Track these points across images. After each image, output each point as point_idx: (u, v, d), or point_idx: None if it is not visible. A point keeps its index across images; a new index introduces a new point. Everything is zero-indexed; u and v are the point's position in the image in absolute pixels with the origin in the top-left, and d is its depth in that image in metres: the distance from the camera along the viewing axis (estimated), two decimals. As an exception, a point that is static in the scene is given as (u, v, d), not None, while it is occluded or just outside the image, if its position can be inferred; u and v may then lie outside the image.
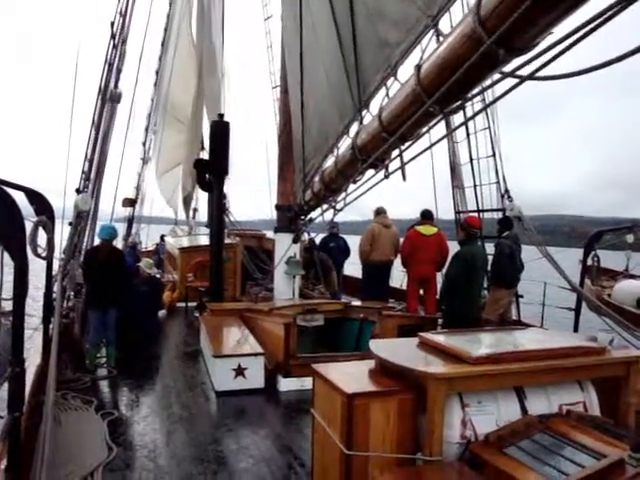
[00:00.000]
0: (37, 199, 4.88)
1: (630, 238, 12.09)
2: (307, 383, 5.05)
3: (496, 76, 3.40)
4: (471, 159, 9.27)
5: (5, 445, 3.29)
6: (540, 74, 2.89)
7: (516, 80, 3.12)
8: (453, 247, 7.81)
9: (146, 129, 20.00)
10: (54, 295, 5.71)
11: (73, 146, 8.16)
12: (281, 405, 5.80)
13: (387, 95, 4.88)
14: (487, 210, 9.14)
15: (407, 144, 4.78)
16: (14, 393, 3.17)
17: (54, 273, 5.81)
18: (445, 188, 10.14)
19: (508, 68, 3.21)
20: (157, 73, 19.22)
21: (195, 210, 21.49)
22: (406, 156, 4.87)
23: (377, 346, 3.83)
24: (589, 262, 9.33)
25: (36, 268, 4.33)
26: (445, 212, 9.97)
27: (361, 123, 5.58)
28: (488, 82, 3.61)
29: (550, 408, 3.25)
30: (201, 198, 20.86)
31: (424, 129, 4.48)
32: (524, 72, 3.05)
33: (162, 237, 19.70)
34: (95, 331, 6.84)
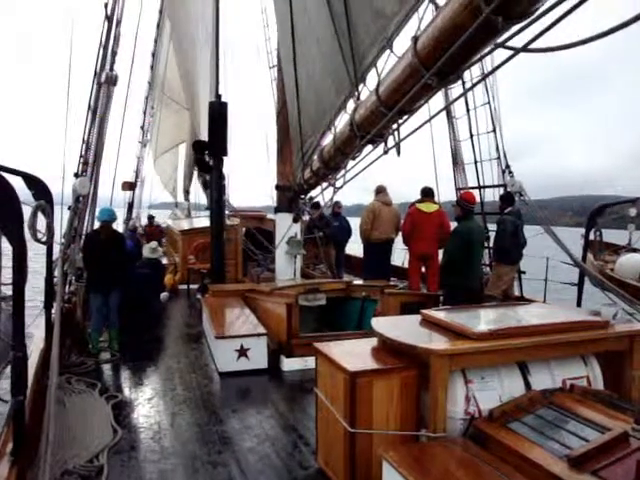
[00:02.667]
0: (35, 184, 4.84)
1: (633, 212, 12.05)
2: (310, 362, 5.06)
3: (495, 48, 3.33)
4: (471, 135, 9.20)
5: (10, 429, 3.30)
6: (540, 44, 2.83)
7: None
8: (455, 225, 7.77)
9: (144, 112, 19.90)
10: (55, 280, 5.70)
11: (70, 130, 8.11)
12: (284, 385, 5.82)
13: (383, 69, 4.80)
14: (488, 186, 9.10)
15: (405, 117, 4.71)
16: (17, 377, 3.16)
17: (54, 258, 5.79)
18: (448, 168, 10.09)
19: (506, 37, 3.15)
20: (153, 55, 19.07)
21: (187, 192, 21.43)
22: (405, 130, 4.82)
23: (379, 324, 3.82)
24: (591, 237, 9.30)
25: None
26: (450, 192, 9.92)
27: (358, 99, 5.50)
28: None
29: (554, 383, 3.24)
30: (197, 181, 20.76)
31: (422, 102, 4.41)
32: (520, 42, 2.99)
33: (150, 218, 19.34)
34: (97, 315, 6.84)
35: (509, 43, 3.12)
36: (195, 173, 20.04)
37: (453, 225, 7.94)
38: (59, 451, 3.86)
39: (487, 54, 3.46)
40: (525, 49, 2.93)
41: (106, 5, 8.34)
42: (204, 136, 11.32)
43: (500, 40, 3.17)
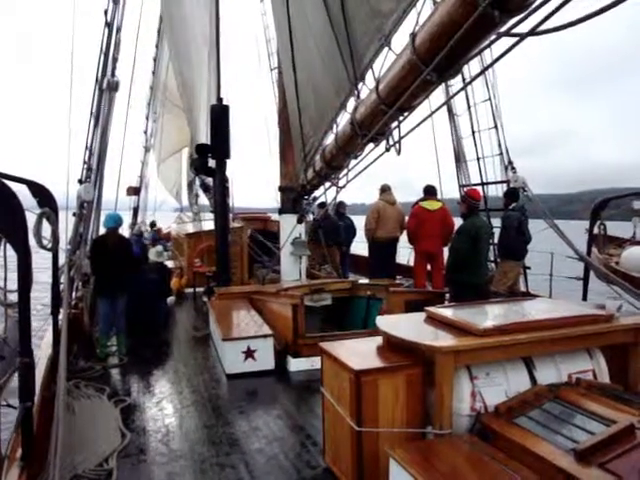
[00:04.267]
0: (40, 191, 4.88)
1: (637, 204, 12.01)
2: (317, 363, 5.06)
3: (493, 38, 3.33)
4: (473, 132, 9.20)
5: (19, 435, 3.33)
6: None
7: (514, 40, 3.06)
8: (459, 222, 7.77)
9: (147, 117, 19.96)
10: (62, 286, 5.73)
11: (73, 137, 8.15)
12: (292, 385, 5.83)
13: (382, 66, 4.80)
14: (491, 183, 9.09)
15: (405, 115, 4.72)
16: (24, 383, 3.19)
17: (60, 264, 5.83)
18: (450, 166, 10.06)
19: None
20: (155, 60, 19.13)
21: (197, 196, 21.42)
22: (406, 127, 4.82)
23: (384, 322, 3.83)
24: (595, 231, 9.27)
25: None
26: (453, 189, 9.90)
27: (358, 97, 5.51)
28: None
29: (559, 377, 3.24)
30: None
31: (422, 98, 4.42)
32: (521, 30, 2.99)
33: (152, 224, 19.26)
34: (104, 320, 6.87)
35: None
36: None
37: (457, 222, 7.95)
38: (68, 456, 3.88)
39: (489, 45, 3.45)
40: (533, 33, 2.91)
41: (106, 12, 8.38)
42: (202, 139, 11.36)
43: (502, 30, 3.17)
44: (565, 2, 2.49)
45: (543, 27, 2.78)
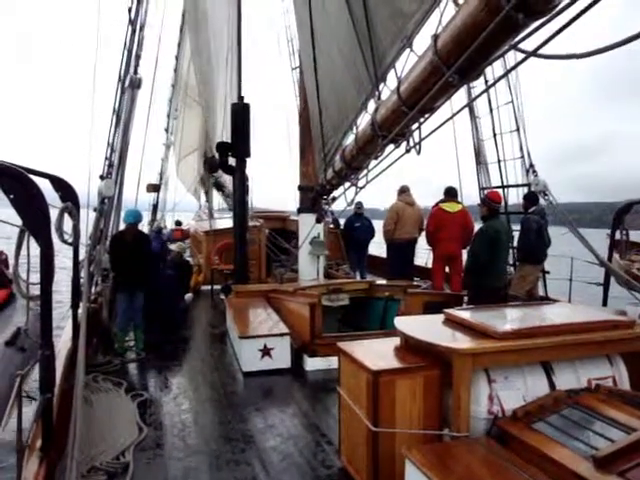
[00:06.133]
0: (62, 186, 4.94)
1: None
2: (333, 362, 5.07)
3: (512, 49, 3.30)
4: (494, 134, 9.13)
5: (39, 425, 3.38)
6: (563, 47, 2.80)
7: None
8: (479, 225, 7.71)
9: (168, 115, 20.10)
10: (82, 280, 5.79)
11: (96, 133, 8.23)
12: (308, 384, 5.84)
13: (404, 68, 4.79)
14: (512, 186, 9.01)
15: (426, 116, 4.70)
16: (45, 375, 3.23)
17: (81, 259, 5.89)
18: (471, 170, 9.99)
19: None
20: (177, 58, 19.26)
21: (207, 193, 21.52)
22: (427, 129, 4.80)
23: (402, 323, 3.82)
24: (617, 236, 9.16)
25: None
26: (473, 193, 9.82)
27: (379, 98, 5.50)
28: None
29: (578, 383, 3.21)
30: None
31: (444, 100, 4.40)
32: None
33: (177, 222, 19.34)
34: (123, 315, 6.94)
35: (525, 44, 3.10)
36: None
37: (477, 225, 7.89)
38: (86, 448, 3.93)
39: (504, 53, 3.44)
40: (535, 54, 2.90)
41: (130, 10, 8.45)
42: (218, 138, 11.40)
43: (516, 40, 3.15)
44: (591, 5, 2.45)
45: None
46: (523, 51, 3.08)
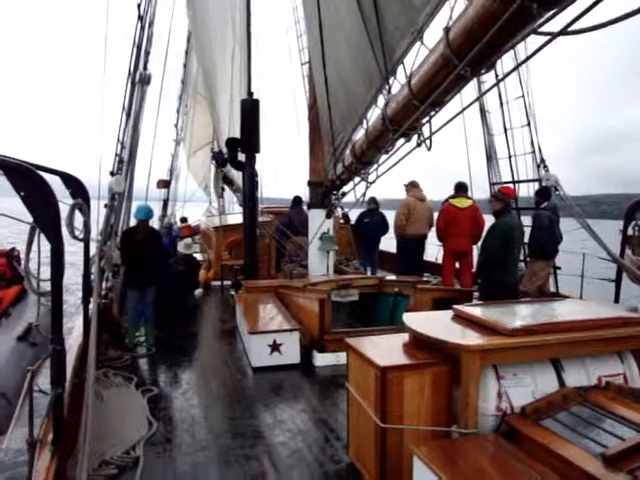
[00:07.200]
0: (73, 183, 4.97)
1: None
2: (342, 358, 5.06)
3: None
4: (505, 129, 9.07)
5: (50, 420, 3.40)
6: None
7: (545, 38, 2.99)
8: (489, 220, 7.66)
9: (177, 110, 20.14)
10: (92, 276, 5.83)
11: (106, 129, 8.26)
12: (317, 380, 5.84)
13: (415, 61, 4.76)
14: (523, 181, 8.96)
15: (437, 109, 4.67)
16: (56, 370, 3.25)
17: (91, 254, 5.92)
18: (481, 166, 9.93)
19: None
20: (186, 53, 19.28)
21: (223, 189, 21.54)
22: (437, 123, 4.78)
23: (411, 319, 3.80)
24: (630, 232, 9.07)
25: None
26: (482, 189, 9.76)
27: (389, 92, 5.48)
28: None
29: (589, 380, 3.18)
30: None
31: (454, 93, 4.37)
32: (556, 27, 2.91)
33: (183, 219, 19.30)
34: (133, 310, 6.98)
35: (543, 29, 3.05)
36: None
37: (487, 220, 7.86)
38: (97, 442, 3.96)
39: (522, 39, 3.38)
40: (564, 32, 2.84)
41: (139, 5, 8.46)
42: (226, 134, 11.41)
43: (537, 24, 3.10)
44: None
45: (579, 25, 2.72)
46: (547, 33, 3.01)
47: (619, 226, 7.61)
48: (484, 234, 7.54)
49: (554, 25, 2.90)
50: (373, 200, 11.49)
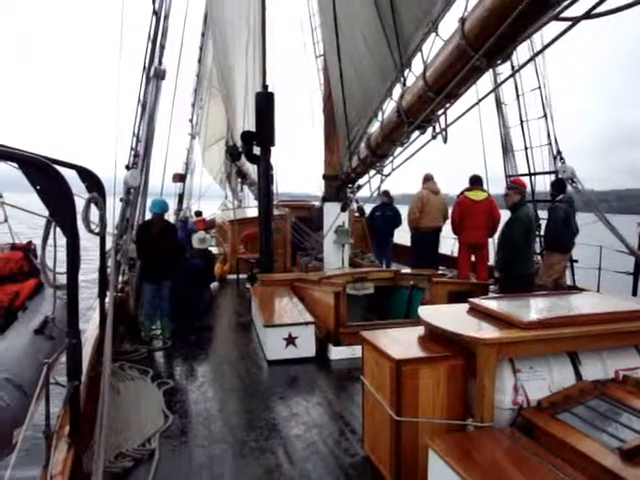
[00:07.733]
0: (88, 177, 5.00)
1: None
2: (358, 351, 5.05)
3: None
4: (521, 121, 8.98)
5: (67, 412, 3.44)
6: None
7: (565, 24, 2.93)
8: (505, 214, 7.58)
9: (192, 105, 20.17)
10: (108, 270, 5.87)
11: (121, 124, 8.30)
12: (332, 373, 5.84)
13: (430, 53, 4.72)
14: (539, 173, 8.87)
15: (452, 101, 4.64)
16: (72, 363, 3.28)
17: (107, 248, 5.96)
18: (497, 159, 9.83)
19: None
20: (201, 49, 19.29)
21: (242, 183, 21.55)
22: (452, 115, 4.74)
23: (426, 312, 3.79)
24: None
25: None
26: (499, 182, 9.66)
27: (404, 84, 5.44)
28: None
29: (606, 374, 3.15)
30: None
31: (470, 84, 4.33)
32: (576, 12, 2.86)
33: (198, 213, 19.31)
34: (149, 304, 7.02)
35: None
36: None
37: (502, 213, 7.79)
38: (113, 434, 4.01)
39: (540, 27, 3.33)
40: (588, 16, 2.78)
41: (154, 0, 8.47)
42: (240, 127, 11.41)
43: (557, 10, 3.05)
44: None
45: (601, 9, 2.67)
46: (570, 18, 2.96)
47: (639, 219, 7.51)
48: (502, 227, 7.47)
49: (573, 11, 2.85)
50: (385, 194, 11.44)
